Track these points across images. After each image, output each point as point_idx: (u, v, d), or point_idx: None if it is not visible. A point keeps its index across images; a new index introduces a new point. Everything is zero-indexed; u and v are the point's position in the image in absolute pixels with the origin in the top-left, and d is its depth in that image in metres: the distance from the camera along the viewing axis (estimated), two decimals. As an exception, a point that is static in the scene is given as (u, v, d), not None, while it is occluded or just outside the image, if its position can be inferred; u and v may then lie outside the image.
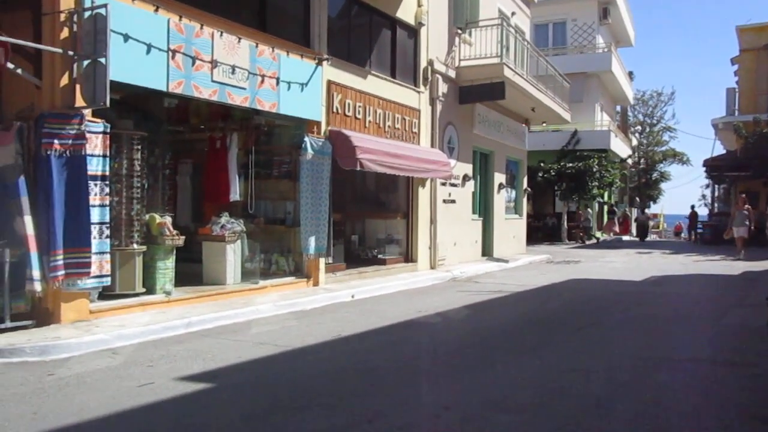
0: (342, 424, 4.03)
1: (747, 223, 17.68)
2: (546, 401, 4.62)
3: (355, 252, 12.33)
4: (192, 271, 8.93)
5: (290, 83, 9.28)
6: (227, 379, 5.11)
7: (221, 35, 8.08)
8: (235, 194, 9.55)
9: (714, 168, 26.25)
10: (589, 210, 26.08)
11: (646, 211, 34.43)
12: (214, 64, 7.97)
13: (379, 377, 5.24)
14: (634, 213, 34.65)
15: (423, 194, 13.09)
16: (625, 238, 30.01)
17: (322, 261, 10.16)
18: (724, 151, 28.78)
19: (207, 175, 10.03)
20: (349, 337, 6.80)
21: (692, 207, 29.06)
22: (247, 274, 9.29)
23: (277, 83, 9.04)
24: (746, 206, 17.97)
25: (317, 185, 9.82)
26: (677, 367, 5.71)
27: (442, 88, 13.74)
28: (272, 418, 4.18)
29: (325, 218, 9.95)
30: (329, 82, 10.23)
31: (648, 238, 29.97)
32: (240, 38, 8.38)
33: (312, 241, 9.74)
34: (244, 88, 8.46)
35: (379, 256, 12.36)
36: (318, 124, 10.03)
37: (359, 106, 10.98)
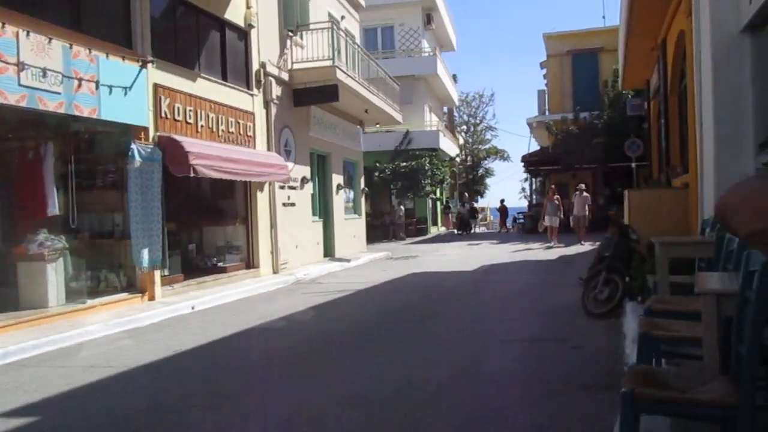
0: (188, 442, 3.86)
1: (558, 213, 18.89)
2: (393, 393, 4.76)
3: (194, 262, 11.83)
4: (7, 296, 8.03)
5: (112, 87, 8.69)
6: (53, 410, 4.67)
7: (28, 35, 7.35)
8: (54, 208, 8.72)
9: (530, 163, 28.63)
10: (402, 207, 27.24)
11: (475, 204, 36.61)
12: (21, 66, 7.23)
13: (225, 388, 5.08)
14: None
15: (261, 199, 12.90)
16: (457, 231, 31.79)
17: (157, 273, 9.64)
18: (538, 148, 31.50)
19: (19, 189, 9.05)
20: (190, 351, 6.52)
21: (502, 201, 32.19)
22: (72, 294, 8.53)
23: (97, 87, 8.42)
24: (556, 197, 19.10)
25: (148, 194, 9.29)
26: (509, 347, 6.16)
27: (276, 90, 13.63)
28: (110, 445, 3.90)
29: (158, 228, 9.44)
30: (156, 86, 9.72)
31: (477, 230, 31.98)
32: (51, 38, 7.68)
33: (145, 253, 9.20)
34: (58, 93, 7.77)
35: (220, 264, 11.98)
36: (145, 129, 9.49)
37: (190, 110, 10.57)
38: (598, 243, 9.79)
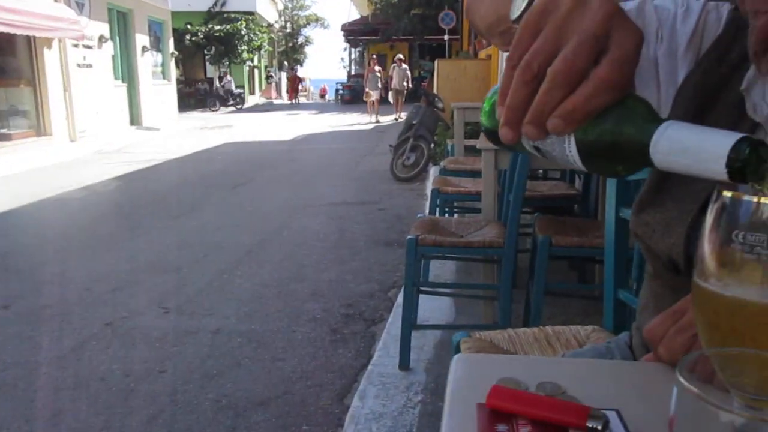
0: (-30, 316, 3.58)
1: (379, 85, 18.24)
2: (202, 258, 4.75)
3: (-30, 128, 10.44)
4: None
5: None
6: None
7: None
8: None
9: (350, 32, 28.36)
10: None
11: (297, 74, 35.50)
12: None
13: (15, 261, 4.71)
14: (283, 77, 35.84)
15: (51, 57, 11.46)
16: (278, 102, 31.18)
17: (-77, 141, 8.38)
18: (358, 17, 31.11)
19: None
20: (-28, 225, 5.90)
21: (293, 69, 33.24)
22: None
23: None
24: (377, 68, 18.58)
25: None
26: (319, 211, 6.35)
27: (60, -70, 11.78)
28: None
29: None
30: None
31: (300, 101, 31.58)
32: None
33: None
34: None
35: (3, 130, 10.67)
36: None
37: (-53, -54, 8.82)
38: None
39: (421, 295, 3.05)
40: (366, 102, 18.96)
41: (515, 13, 0.61)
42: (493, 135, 0.60)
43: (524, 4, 0.60)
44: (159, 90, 17.22)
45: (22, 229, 5.84)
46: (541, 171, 4.56)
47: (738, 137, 0.45)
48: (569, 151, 0.52)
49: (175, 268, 4.50)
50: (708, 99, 0.76)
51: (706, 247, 0.49)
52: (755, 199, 0.46)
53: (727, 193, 0.47)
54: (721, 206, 0.48)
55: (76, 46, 12.16)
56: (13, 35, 10.18)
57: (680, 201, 0.75)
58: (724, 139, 0.46)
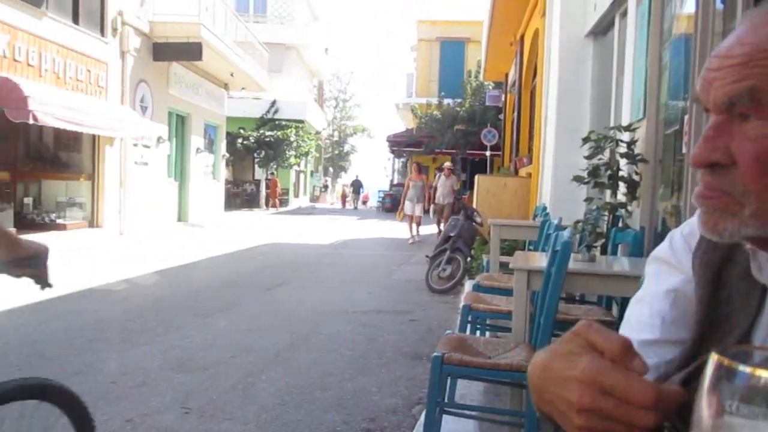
0: None
1: (423, 199, 14.10)
2: (228, 359, 4.73)
3: (29, 216, 10.92)
4: None
5: (-64, 13, 7.74)
6: None
7: None
8: None
9: (395, 143, 29.30)
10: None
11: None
12: None
13: (50, 349, 4.78)
14: (333, 182, 36.98)
15: (111, 154, 12.13)
16: (319, 206, 32.00)
17: (-18, 226, 8.78)
18: (404, 129, 32.27)
19: None
20: (16, 309, 6.04)
21: (356, 176, 35.37)
22: None
23: None
24: (422, 176, 14.54)
25: (-25, 138, 8.41)
26: (351, 318, 6.32)
27: (135, 41, 12.81)
28: None
29: (-15, 177, 8.58)
30: (-8, 19, 8.78)
31: (354, 207, 32.39)
32: None
33: (-32, 202, 8.34)
34: None
35: (59, 221, 11.15)
36: (-23, 66, 8.57)
37: (33, 51, 9.66)
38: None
39: (445, 415, 2.96)
40: (403, 219, 14.57)
41: None
42: None
43: None
44: (208, 189, 17.91)
45: (64, 318, 5.94)
46: (577, 295, 4.48)
47: None
48: None
49: (202, 368, 4.49)
50: (716, 275, 0.82)
51: (704, 412, 0.49)
52: (749, 370, 0.46)
53: (724, 360, 0.48)
54: (717, 372, 0.48)
55: (135, 145, 12.87)
56: (80, 133, 10.87)
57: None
58: None
